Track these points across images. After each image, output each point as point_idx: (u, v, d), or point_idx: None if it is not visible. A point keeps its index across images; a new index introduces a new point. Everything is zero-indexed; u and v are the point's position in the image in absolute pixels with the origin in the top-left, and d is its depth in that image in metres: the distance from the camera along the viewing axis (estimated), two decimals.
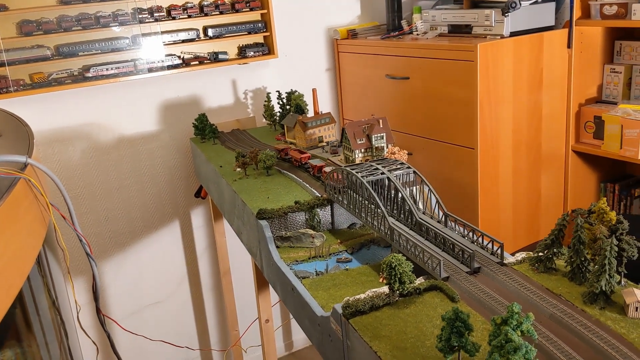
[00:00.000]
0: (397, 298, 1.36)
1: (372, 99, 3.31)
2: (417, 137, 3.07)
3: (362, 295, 1.37)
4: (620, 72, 2.94)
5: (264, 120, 3.21)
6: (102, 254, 3.16)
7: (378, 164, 1.87)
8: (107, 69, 2.92)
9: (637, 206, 3.00)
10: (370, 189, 1.71)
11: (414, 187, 1.92)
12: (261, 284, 2.35)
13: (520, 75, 2.75)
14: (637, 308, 1.20)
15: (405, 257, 1.36)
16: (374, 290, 1.40)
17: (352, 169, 1.83)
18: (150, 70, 3.00)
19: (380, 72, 3.19)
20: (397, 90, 3.11)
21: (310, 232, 1.96)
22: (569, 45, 2.87)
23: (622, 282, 1.33)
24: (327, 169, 2.10)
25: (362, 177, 1.76)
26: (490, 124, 2.71)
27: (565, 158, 3.03)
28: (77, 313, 1.25)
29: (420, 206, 1.87)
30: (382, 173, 1.79)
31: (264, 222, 1.95)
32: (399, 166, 1.85)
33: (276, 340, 3.78)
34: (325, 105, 3.57)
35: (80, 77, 2.90)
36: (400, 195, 1.74)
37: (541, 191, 2.99)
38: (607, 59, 3.01)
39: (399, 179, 1.85)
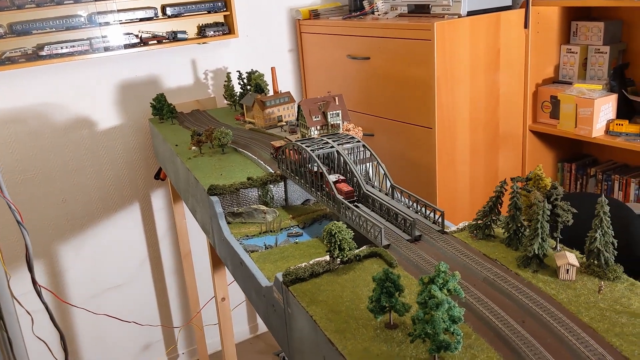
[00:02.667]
0: (337, 265, 1.37)
1: (335, 79, 3.30)
2: (378, 118, 3.08)
3: (304, 264, 1.37)
4: (576, 53, 2.98)
5: (225, 101, 3.18)
6: (60, 237, 3.12)
7: (329, 139, 1.87)
8: (61, 48, 2.86)
9: (593, 185, 3.06)
10: (319, 161, 1.71)
11: (369, 164, 1.93)
12: (216, 262, 2.34)
13: (477, 55, 2.77)
14: (567, 270, 1.23)
15: (346, 225, 1.37)
16: (317, 259, 1.41)
17: (303, 143, 1.83)
18: (106, 49, 2.95)
19: (342, 53, 3.19)
20: (359, 71, 3.11)
21: (262, 207, 1.96)
22: (526, 26, 2.90)
23: (558, 248, 1.36)
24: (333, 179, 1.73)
25: (311, 150, 1.76)
26: (447, 103, 2.73)
27: (522, 138, 3.07)
28: (8, 281, 1.23)
29: (376, 183, 1.88)
30: (332, 147, 1.79)
31: (214, 198, 1.94)
32: (349, 140, 1.85)
33: (240, 323, 3.78)
34: (289, 86, 3.56)
35: (34, 56, 2.84)
36: (349, 168, 1.74)
37: (498, 170, 3.03)
38: (564, 39, 3.05)
39: (350, 153, 1.86)
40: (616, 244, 1.24)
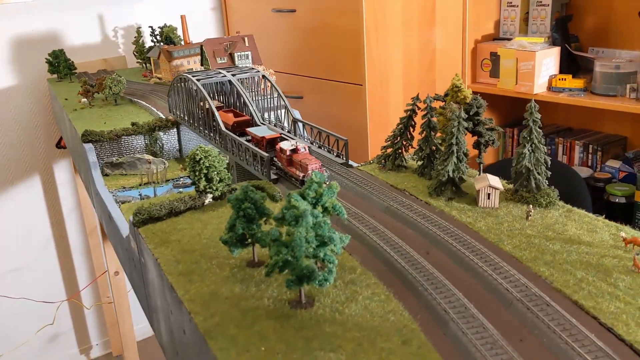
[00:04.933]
0: (207, 201, 1.07)
1: (261, 38, 2.99)
2: (307, 78, 2.80)
3: (164, 201, 1.07)
4: (517, 6, 2.77)
5: (136, 60, 2.84)
6: None
7: (224, 70, 1.57)
8: None
9: None
10: (204, 92, 1.41)
11: (281, 110, 1.65)
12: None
13: (410, 6, 2.52)
14: (488, 195, 0.97)
15: (219, 152, 1.08)
16: (183, 195, 1.12)
17: (193, 75, 1.53)
18: None
19: (267, 7, 2.89)
20: (285, 26, 2.82)
21: (148, 157, 1.65)
22: None
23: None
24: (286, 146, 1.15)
25: (198, 80, 1.46)
26: (378, 58, 2.47)
27: None
28: None
29: (285, 124, 1.60)
30: (224, 76, 1.49)
31: (88, 145, 1.62)
32: (247, 71, 1.56)
33: None
34: None
35: None
36: (242, 100, 1.45)
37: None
38: None
39: (256, 93, 1.57)
40: (549, 163, 0.99)
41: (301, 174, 1.07)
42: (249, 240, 0.82)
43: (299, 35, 2.75)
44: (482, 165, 1.09)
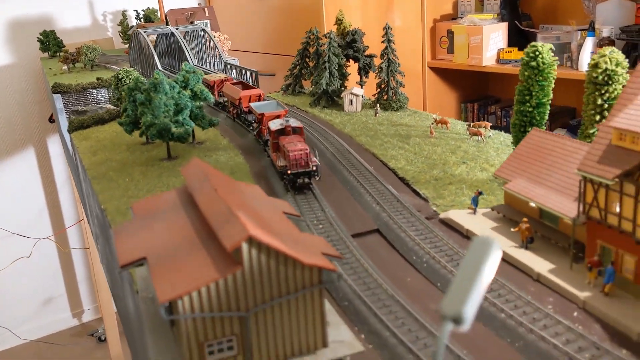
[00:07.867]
0: None
1: (242, 23, 3.24)
2: (280, 56, 3.02)
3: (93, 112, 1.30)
4: None
5: (122, 41, 3.09)
6: None
7: (171, 26, 1.80)
8: None
9: (493, 121, 3.05)
10: (147, 39, 1.64)
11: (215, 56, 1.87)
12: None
13: None
14: (351, 101, 1.18)
15: (140, 73, 1.30)
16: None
17: (144, 30, 1.76)
18: None
19: None
20: (260, 10, 3.05)
21: (108, 106, 1.88)
22: None
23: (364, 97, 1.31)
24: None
25: (146, 33, 1.69)
26: None
27: (422, 75, 3.04)
28: None
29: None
30: (169, 29, 1.72)
31: (56, 95, 1.85)
32: (189, 27, 1.79)
33: None
34: None
35: None
36: (180, 47, 1.68)
37: None
38: None
39: (192, 42, 1.79)
40: (404, 75, 1.19)
41: (280, 164, 0.82)
42: (140, 122, 1.04)
43: (271, 18, 2.98)
44: (362, 85, 1.30)
